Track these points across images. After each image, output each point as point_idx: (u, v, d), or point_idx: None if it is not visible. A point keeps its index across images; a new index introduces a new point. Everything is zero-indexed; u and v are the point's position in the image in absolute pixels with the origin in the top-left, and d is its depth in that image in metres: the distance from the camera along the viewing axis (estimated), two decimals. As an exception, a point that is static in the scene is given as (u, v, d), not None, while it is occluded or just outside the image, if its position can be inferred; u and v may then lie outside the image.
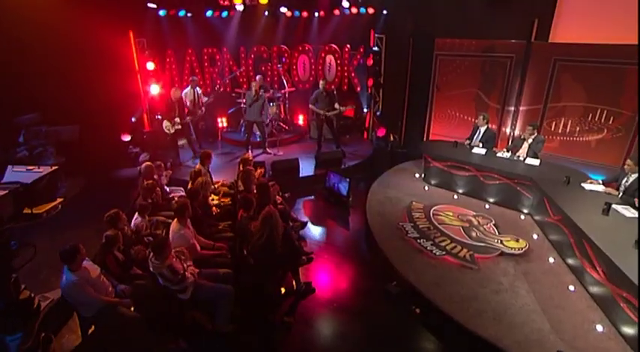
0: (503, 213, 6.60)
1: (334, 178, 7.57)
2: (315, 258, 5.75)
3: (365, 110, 10.82)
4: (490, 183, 6.81)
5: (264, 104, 8.95)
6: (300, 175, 8.23)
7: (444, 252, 5.42)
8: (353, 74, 11.02)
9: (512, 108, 8.87)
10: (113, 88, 9.37)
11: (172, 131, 8.89)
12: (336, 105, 9.11)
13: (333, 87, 10.96)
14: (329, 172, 7.70)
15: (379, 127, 10.16)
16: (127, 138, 9.80)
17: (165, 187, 6.74)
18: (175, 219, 4.82)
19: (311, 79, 11.52)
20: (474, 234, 5.88)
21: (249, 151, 9.22)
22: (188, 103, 9.64)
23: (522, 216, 6.50)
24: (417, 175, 8.14)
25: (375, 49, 9.96)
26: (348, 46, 10.89)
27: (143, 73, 10.01)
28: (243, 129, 10.14)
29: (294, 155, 9.25)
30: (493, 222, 6.26)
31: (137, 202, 5.40)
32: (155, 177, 6.80)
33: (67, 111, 8.40)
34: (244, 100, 9.63)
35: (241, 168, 6.51)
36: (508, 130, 9.14)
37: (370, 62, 10.02)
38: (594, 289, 4.51)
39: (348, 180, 7.27)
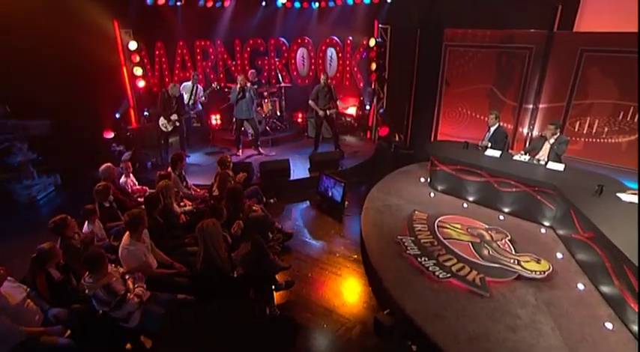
0: (520, 225, 5.68)
1: (327, 182, 6.73)
2: (297, 277, 4.92)
3: (368, 107, 9.96)
4: (505, 190, 5.90)
5: (253, 100, 8.17)
6: (292, 178, 7.40)
7: (448, 275, 4.53)
8: (355, 68, 10.19)
9: (531, 106, 7.92)
10: (95, 82, 8.67)
11: (170, 129, 8.16)
12: (338, 103, 8.30)
13: (334, 82, 10.16)
14: (322, 175, 6.87)
15: (382, 126, 9.29)
16: (110, 135, 9.10)
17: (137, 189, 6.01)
18: (127, 232, 4.05)
19: (310, 74, 10.73)
20: (485, 252, 4.97)
21: (240, 151, 8.44)
22: (187, 99, 8.94)
23: (543, 230, 5.57)
24: (423, 180, 7.26)
25: (379, 40, 9.09)
26: (350, 38, 10.06)
27: (129, 67, 9.30)
28: (234, 128, 9.37)
29: (288, 155, 8.44)
30: (509, 237, 5.34)
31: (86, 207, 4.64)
32: (124, 179, 6.09)
33: (40, 105, 7.70)
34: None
35: (219, 171, 5.73)
36: (525, 130, 8.20)
37: (373, 55, 9.15)
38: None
39: (342, 184, 6.43)
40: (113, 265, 3.85)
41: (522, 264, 4.73)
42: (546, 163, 5.93)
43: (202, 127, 9.69)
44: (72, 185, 8.03)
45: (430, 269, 4.62)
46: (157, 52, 10.04)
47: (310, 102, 8.30)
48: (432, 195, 6.72)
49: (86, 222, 4.54)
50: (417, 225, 5.63)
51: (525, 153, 6.43)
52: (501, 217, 5.91)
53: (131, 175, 6.28)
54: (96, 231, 4.53)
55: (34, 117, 7.70)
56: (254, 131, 8.49)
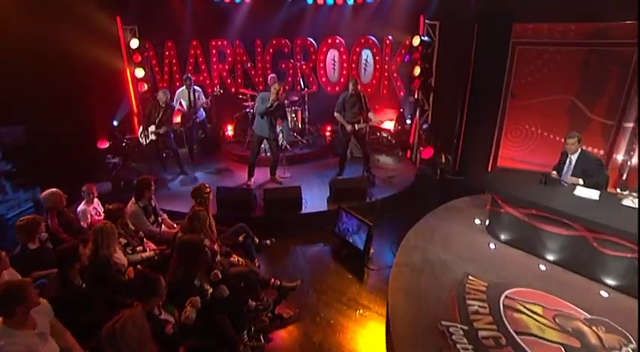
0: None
1: (348, 221, 5.03)
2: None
3: (409, 121, 8.13)
4: (611, 253, 3.91)
5: (284, 114, 6.51)
6: (304, 211, 5.74)
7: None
8: (395, 74, 8.45)
9: (631, 125, 5.85)
10: (90, 84, 7.55)
11: (146, 141, 6.87)
12: (370, 115, 6.59)
13: (369, 90, 8.50)
14: (341, 211, 5.17)
15: (425, 146, 7.42)
16: (104, 145, 7.92)
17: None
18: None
19: (342, 80, 9.12)
20: (591, 368, 3.05)
21: (251, 181, 6.66)
22: (183, 107, 7.62)
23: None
24: (478, 222, 5.36)
25: (426, 39, 7.31)
26: (390, 37, 8.35)
27: (133, 68, 8.12)
28: (247, 143, 7.87)
29: (306, 178, 6.85)
30: (628, 336, 3.35)
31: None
32: (83, 206, 4.71)
33: (17, 109, 6.63)
34: (252, 104, 7.40)
35: (193, 204, 4.20)
36: (620, 157, 6.11)
37: (418, 57, 7.38)
38: None
39: (367, 227, 4.70)
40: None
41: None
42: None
43: (207, 138, 8.29)
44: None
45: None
46: (167, 53, 8.85)
47: (335, 114, 6.66)
48: (493, 246, 4.81)
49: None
50: (472, 301, 3.76)
51: (623, 190, 4.43)
52: (605, 294, 3.91)
53: (95, 201, 4.91)
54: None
55: (8, 121, 6.65)
56: (273, 155, 6.69)
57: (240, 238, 4.31)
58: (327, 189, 6.20)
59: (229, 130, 9.09)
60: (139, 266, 3.77)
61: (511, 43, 6.44)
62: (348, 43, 8.86)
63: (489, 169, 7.06)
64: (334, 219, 5.33)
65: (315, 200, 6.00)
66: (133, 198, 4.30)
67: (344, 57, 8.95)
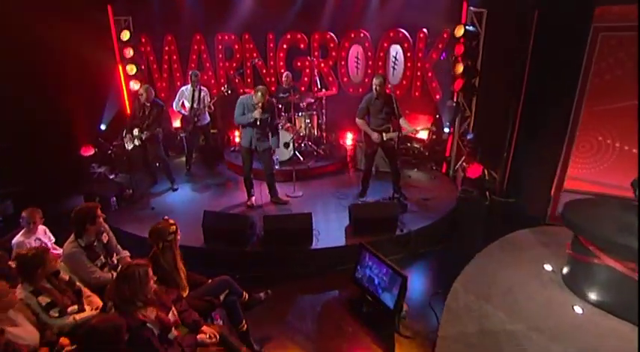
0: None
1: (373, 266, 3.69)
2: None
3: (446, 130, 6.71)
4: None
5: (273, 129, 5.22)
6: (315, 245, 4.42)
7: None
8: (430, 74, 7.10)
9: None
10: (74, 83, 6.53)
11: (129, 146, 5.75)
12: (402, 122, 5.28)
13: (397, 93, 7.16)
14: (363, 251, 3.84)
15: (471, 162, 5.97)
16: (89, 152, 6.85)
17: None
18: None
19: (366, 80, 7.81)
20: None
21: (252, 200, 5.44)
22: (186, 108, 6.49)
23: None
24: (549, 267, 3.93)
25: (471, 28, 5.94)
26: (425, 30, 7.00)
27: (125, 64, 7.07)
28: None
29: (321, 199, 5.58)
30: None
31: None
32: (20, 238, 3.57)
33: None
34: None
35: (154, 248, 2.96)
36: None
37: (461, 53, 6.01)
38: None
39: (401, 279, 3.36)
40: None
41: None
42: None
43: (208, 145, 7.11)
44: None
45: None
46: (167, 48, 7.78)
47: (358, 120, 5.37)
48: (580, 311, 3.38)
49: None
50: None
51: None
52: None
53: (41, 230, 3.76)
54: None
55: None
56: (267, 171, 5.38)
57: (221, 297, 3.04)
58: (346, 214, 4.88)
59: (236, 137, 7.93)
60: (62, 339, 2.55)
61: (591, 31, 4.97)
62: (375, 38, 7.54)
63: (552, 191, 5.59)
64: (355, 256, 4.00)
65: (330, 230, 4.67)
66: (72, 236, 3.08)
67: (369, 53, 7.64)
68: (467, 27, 5.86)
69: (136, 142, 5.66)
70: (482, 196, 5.46)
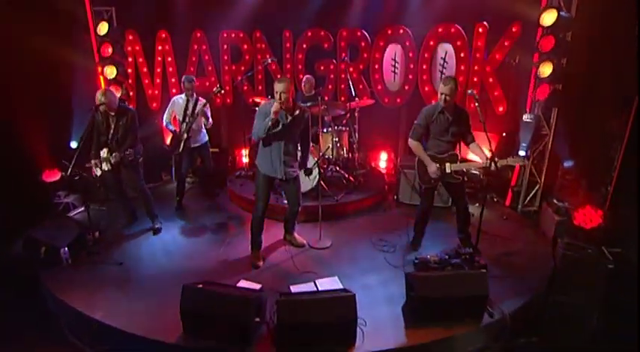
0: None
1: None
2: None
3: (522, 153, 4.99)
4: None
5: (305, 136, 3.83)
6: (362, 347, 2.75)
7: None
8: (492, 79, 5.50)
9: None
10: (38, 89, 5.16)
11: (98, 173, 4.25)
12: (473, 147, 3.74)
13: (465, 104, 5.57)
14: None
15: (582, 205, 4.05)
16: (53, 177, 5.36)
17: None
18: None
19: (406, 87, 6.23)
20: None
21: (260, 262, 3.90)
22: (177, 124, 5.00)
23: None
24: None
25: (564, 14, 4.33)
26: (486, 23, 5.43)
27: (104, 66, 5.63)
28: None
29: (356, 249, 3.99)
30: None
31: None
32: None
33: None
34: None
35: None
36: None
37: (549, 49, 4.38)
38: None
39: None
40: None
41: None
42: None
43: (206, 169, 5.51)
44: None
45: None
46: (160, 47, 6.32)
47: (411, 142, 3.80)
48: None
49: None
50: None
51: None
52: None
53: None
54: None
55: None
56: (293, 208, 3.98)
57: None
58: (395, 276, 3.23)
59: (244, 156, 6.40)
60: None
61: None
62: (418, 35, 5.97)
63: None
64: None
65: (376, 312, 3.01)
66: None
67: (410, 54, 6.07)
68: (562, 12, 4.24)
69: (105, 167, 4.16)
70: (599, 255, 3.72)
